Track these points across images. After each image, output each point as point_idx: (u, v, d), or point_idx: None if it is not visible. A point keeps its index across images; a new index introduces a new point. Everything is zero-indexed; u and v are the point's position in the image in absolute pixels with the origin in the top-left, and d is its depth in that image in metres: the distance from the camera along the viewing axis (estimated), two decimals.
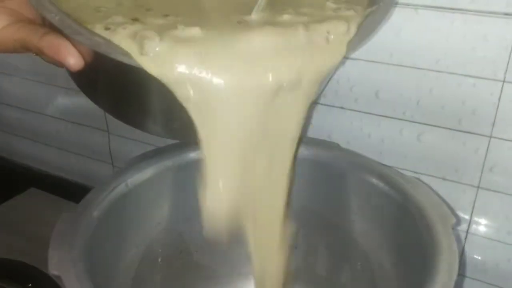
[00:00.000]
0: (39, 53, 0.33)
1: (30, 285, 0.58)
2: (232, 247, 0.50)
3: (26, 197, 0.75)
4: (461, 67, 0.47)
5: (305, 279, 0.53)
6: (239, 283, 0.54)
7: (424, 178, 0.52)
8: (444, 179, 0.52)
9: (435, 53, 0.47)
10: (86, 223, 0.39)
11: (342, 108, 0.54)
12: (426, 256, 0.36)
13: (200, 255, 0.53)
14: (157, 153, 0.47)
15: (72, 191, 0.73)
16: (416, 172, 0.53)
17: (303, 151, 0.48)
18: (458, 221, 0.51)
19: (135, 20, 0.34)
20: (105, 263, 0.41)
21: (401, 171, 0.51)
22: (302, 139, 0.50)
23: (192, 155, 0.47)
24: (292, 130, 0.37)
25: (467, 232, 0.52)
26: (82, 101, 0.69)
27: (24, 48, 0.34)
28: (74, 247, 0.36)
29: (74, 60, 0.31)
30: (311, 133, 0.55)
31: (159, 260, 0.50)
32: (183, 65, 0.31)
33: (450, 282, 0.33)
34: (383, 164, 0.47)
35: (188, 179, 0.48)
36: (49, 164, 0.79)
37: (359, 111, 0.53)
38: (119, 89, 0.37)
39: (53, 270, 0.34)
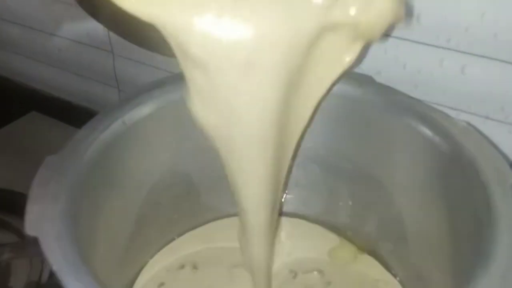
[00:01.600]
0: None
1: None
2: None
3: (26, 121, 0.68)
4: None
5: (325, 224, 0.47)
6: None
7: (464, 116, 0.45)
8: (487, 118, 0.44)
9: None
10: (73, 168, 0.32)
11: None
12: (479, 223, 0.29)
13: (209, 196, 0.46)
14: (158, 85, 0.39)
15: (76, 115, 0.66)
16: (455, 109, 0.45)
17: None
18: None
19: None
20: (98, 208, 0.35)
21: (438, 107, 0.43)
22: None
23: None
24: None
25: None
26: (82, 18, 0.61)
27: None
28: (57, 199, 0.29)
29: None
30: None
31: (165, 202, 0.43)
32: None
33: None
34: (427, 104, 0.38)
35: None
36: (51, 85, 0.71)
37: (395, 37, 0.44)
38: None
39: (29, 230, 0.27)
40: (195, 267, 0.44)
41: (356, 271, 0.44)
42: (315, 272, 0.44)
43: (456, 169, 0.33)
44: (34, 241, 0.27)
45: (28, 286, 0.46)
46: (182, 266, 0.44)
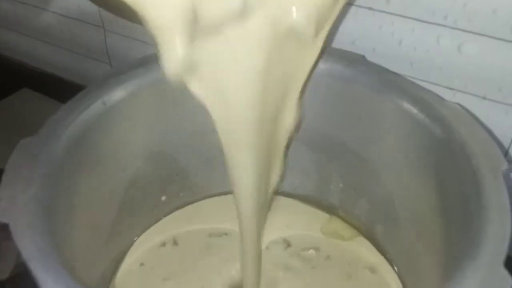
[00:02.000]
0: None
1: None
2: None
3: (18, 98, 0.66)
4: None
5: (315, 205, 0.46)
6: None
7: (460, 96, 0.43)
8: (484, 98, 0.42)
9: None
10: (49, 151, 0.30)
11: (370, 9, 0.43)
12: (468, 210, 0.28)
13: (198, 177, 0.45)
14: (141, 63, 0.37)
15: (68, 92, 0.64)
16: (452, 89, 0.43)
17: (320, 64, 0.37)
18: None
19: None
20: (78, 193, 0.33)
21: (433, 86, 0.42)
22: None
23: None
24: None
25: None
26: None
27: None
28: (30, 184, 0.28)
29: None
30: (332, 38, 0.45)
31: (151, 185, 0.42)
32: None
33: (501, 250, 0.24)
34: (419, 85, 0.37)
35: (180, 94, 0.39)
36: (43, 61, 0.69)
37: (391, 13, 0.42)
38: None
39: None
40: (175, 243, 0.43)
41: (350, 250, 0.43)
42: (311, 249, 0.43)
43: (447, 153, 0.32)
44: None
45: (18, 267, 0.45)
46: (163, 244, 0.43)
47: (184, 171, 0.44)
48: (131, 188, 0.40)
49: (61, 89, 0.66)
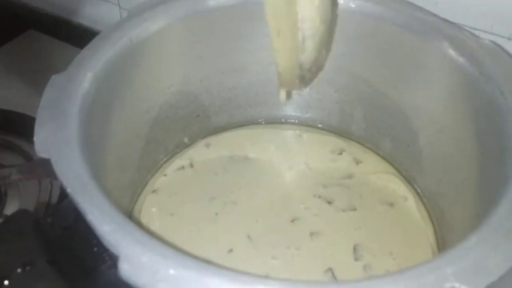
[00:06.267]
0: None
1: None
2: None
3: (24, 40, 0.65)
4: None
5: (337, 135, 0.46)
6: None
7: (485, 37, 0.42)
8: (509, 39, 0.42)
9: None
10: (81, 88, 0.30)
11: None
12: (502, 148, 0.28)
13: (220, 118, 0.45)
14: (162, 1, 0.37)
15: (74, 34, 0.64)
16: (477, 29, 0.42)
17: (349, 3, 0.37)
18: None
19: None
20: (108, 130, 0.34)
21: None
22: None
23: (211, 2, 0.37)
24: None
25: None
26: None
27: None
28: (67, 120, 0.28)
29: None
30: None
31: (174, 125, 0.42)
32: None
33: None
34: (451, 22, 0.36)
35: (206, 32, 0.39)
36: (49, 2, 0.68)
37: None
38: None
39: (40, 152, 0.26)
40: (191, 165, 0.44)
41: (380, 184, 0.43)
42: (347, 178, 0.43)
43: (481, 91, 0.32)
44: (43, 163, 0.26)
45: (38, 206, 0.46)
46: (182, 167, 0.43)
47: (206, 111, 0.45)
48: (154, 128, 0.41)
49: (68, 31, 0.66)
